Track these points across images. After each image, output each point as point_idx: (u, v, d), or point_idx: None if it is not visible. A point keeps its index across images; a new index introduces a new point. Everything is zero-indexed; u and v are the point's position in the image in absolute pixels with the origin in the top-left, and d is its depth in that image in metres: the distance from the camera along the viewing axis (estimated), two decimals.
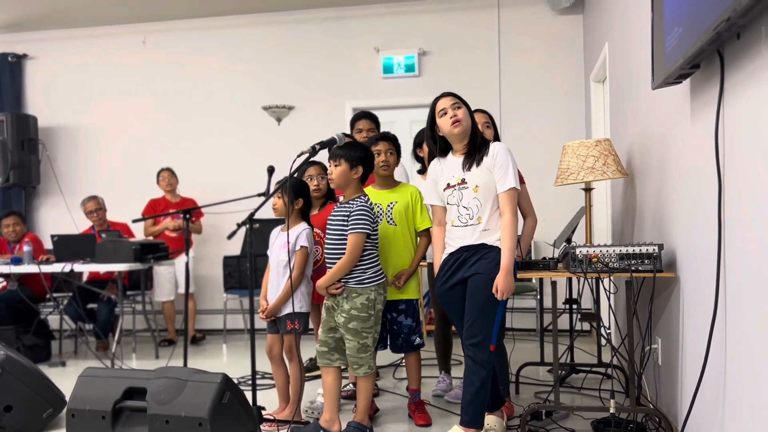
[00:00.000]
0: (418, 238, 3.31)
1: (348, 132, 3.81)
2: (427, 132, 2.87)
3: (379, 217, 3.21)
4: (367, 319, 2.92)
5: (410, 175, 4.19)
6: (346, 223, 2.93)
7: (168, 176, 5.81)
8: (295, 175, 3.16)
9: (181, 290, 5.80)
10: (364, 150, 3.00)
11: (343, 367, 3.05)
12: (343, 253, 2.92)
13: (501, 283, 2.60)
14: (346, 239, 2.92)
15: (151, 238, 5.79)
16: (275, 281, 3.22)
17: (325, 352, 3.01)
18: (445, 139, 2.81)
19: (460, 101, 2.77)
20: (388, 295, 3.17)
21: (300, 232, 3.16)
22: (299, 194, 3.18)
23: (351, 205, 2.94)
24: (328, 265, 3.02)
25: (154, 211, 5.75)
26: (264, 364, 4.60)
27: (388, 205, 3.24)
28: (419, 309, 3.28)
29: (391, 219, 3.22)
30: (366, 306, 2.92)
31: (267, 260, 3.32)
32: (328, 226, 3.04)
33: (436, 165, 2.87)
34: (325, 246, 3.04)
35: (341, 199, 3.08)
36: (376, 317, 2.96)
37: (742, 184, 1.84)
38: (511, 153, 2.75)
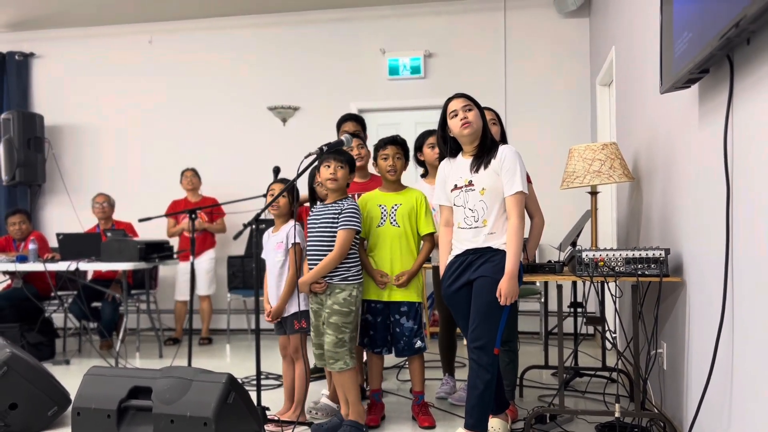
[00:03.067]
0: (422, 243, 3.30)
1: (351, 132, 3.81)
2: (438, 133, 2.87)
3: (382, 218, 3.23)
4: (348, 314, 3.00)
5: (411, 181, 4.18)
6: (334, 222, 3.01)
7: (191, 176, 5.83)
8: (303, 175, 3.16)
9: (200, 291, 5.82)
10: (352, 156, 3.17)
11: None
12: (328, 252, 2.99)
13: (505, 287, 2.60)
14: (333, 238, 3.00)
15: (175, 238, 5.82)
16: (274, 283, 3.24)
17: (321, 355, 3.07)
18: (456, 140, 2.81)
19: (471, 103, 2.77)
20: (390, 296, 3.20)
21: (289, 229, 3.18)
22: (298, 196, 3.24)
23: (340, 205, 3.04)
24: (310, 263, 3.07)
25: (174, 211, 5.77)
26: (268, 365, 4.61)
27: (392, 207, 3.24)
28: (422, 312, 3.28)
29: (394, 221, 3.22)
30: (348, 302, 3.00)
31: None
32: (310, 226, 3.09)
33: (445, 165, 2.87)
34: (309, 245, 3.09)
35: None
36: (356, 314, 3.05)
37: (751, 190, 1.83)
38: (520, 156, 2.74)
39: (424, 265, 3.45)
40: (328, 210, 3.06)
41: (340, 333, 2.98)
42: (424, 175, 3.77)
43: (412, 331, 3.20)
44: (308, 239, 3.10)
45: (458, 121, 2.73)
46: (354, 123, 3.94)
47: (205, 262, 5.82)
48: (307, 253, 3.09)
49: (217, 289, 6.14)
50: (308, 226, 3.12)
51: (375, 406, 3.26)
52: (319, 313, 3.05)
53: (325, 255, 3.01)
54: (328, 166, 3.04)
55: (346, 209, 3.02)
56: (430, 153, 3.61)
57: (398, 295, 3.20)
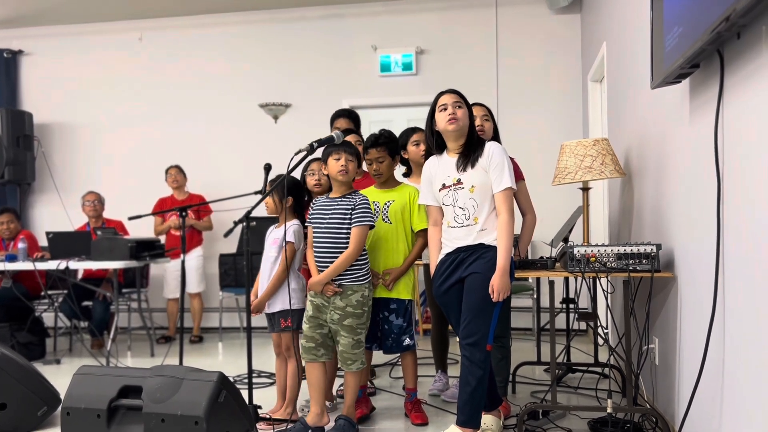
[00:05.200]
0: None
1: (347, 129, 3.79)
2: (427, 124, 2.85)
3: (375, 214, 3.21)
4: (361, 315, 2.96)
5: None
6: (346, 217, 2.93)
7: (175, 173, 5.81)
8: (293, 172, 3.13)
9: (190, 288, 5.80)
10: (358, 150, 3.09)
11: (327, 360, 3.05)
12: (342, 248, 2.92)
13: (497, 283, 2.59)
14: (345, 234, 2.92)
15: (162, 236, 5.80)
16: (266, 277, 3.22)
17: (312, 348, 3.00)
18: (441, 136, 2.80)
19: (462, 101, 2.76)
20: (379, 293, 3.18)
21: (288, 227, 3.15)
22: (290, 192, 3.19)
23: (352, 199, 2.96)
24: (320, 263, 2.98)
25: (161, 209, 5.75)
26: (260, 363, 4.59)
27: (385, 204, 3.23)
28: (412, 310, 3.27)
29: (386, 217, 3.21)
30: (361, 303, 2.95)
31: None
32: (315, 222, 3.01)
33: (430, 165, 2.86)
34: (316, 242, 2.99)
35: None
36: (368, 313, 3.01)
37: (742, 185, 1.83)
38: (506, 152, 2.74)
39: (417, 262, 3.44)
40: (339, 205, 2.96)
41: (355, 335, 2.95)
42: (407, 175, 3.72)
43: (401, 329, 3.19)
44: (315, 235, 3.00)
45: (446, 115, 2.71)
46: (346, 120, 3.91)
47: (193, 259, 5.81)
48: (316, 249, 3.00)
49: (207, 287, 6.12)
50: (313, 221, 3.03)
51: (358, 400, 3.24)
52: (322, 309, 2.98)
53: (336, 251, 2.92)
54: (338, 159, 2.94)
55: (359, 204, 2.94)
56: (414, 150, 3.56)
57: (387, 292, 3.19)
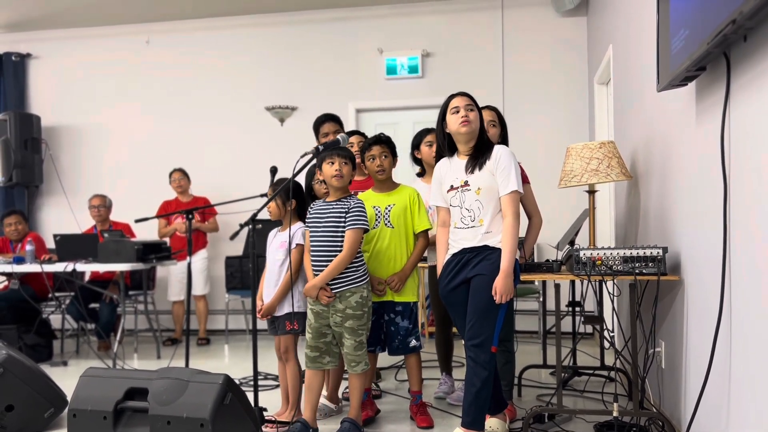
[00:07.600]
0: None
1: (351, 131, 3.79)
2: (438, 126, 2.86)
3: (377, 219, 3.21)
4: (362, 316, 2.97)
5: (408, 182, 4.16)
6: (341, 221, 2.94)
7: (179, 177, 5.81)
8: (298, 175, 3.14)
9: (195, 291, 5.81)
10: (352, 153, 3.10)
11: (333, 367, 3.09)
12: (337, 252, 2.93)
13: (500, 285, 2.59)
14: (340, 238, 2.94)
15: (167, 239, 5.80)
16: (272, 281, 3.22)
17: (317, 357, 3.02)
18: (451, 138, 2.81)
19: (474, 104, 2.78)
20: (385, 297, 3.18)
21: (295, 231, 3.16)
22: (293, 195, 3.21)
23: (346, 203, 2.97)
24: (314, 263, 2.98)
25: (165, 212, 5.75)
26: (265, 365, 4.60)
27: (386, 208, 3.23)
28: (417, 311, 3.27)
29: (388, 221, 3.22)
30: (360, 304, 2.96)
31: None
32: (312, 225, 3.02)
33: (440, 166, 2.87)
34: (313, 245, 3.00)
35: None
36: (368, 314, 3.01)
37: (748, 188, 1.82)
38: (515, 156, 2.75)
39: (422, 264, 3.44)
40: (334, 208, 2.98)
41: (358, 336, 2.96)
42: (420, 174, 3.75)
43: (407, 331, 3.20)
44: (312, 238, 3.02)
45: (459, 117, 2.73)
46: (333, 123, 3.89)
47: (198, 261, 5.82)
48: (312, 253, 3.00)
49: (212, 289, 6.13)
50: (310, 224, 3.05)
51: (363, 402, 3.24)
52: (323, 315, 2.99)
53: (331, 254, 2.93)
54: (332, 163, 2.96)
55: (353, 208, 2.95)
56: (427, 151, 3.59)
57: (393, 295, 3.19)
